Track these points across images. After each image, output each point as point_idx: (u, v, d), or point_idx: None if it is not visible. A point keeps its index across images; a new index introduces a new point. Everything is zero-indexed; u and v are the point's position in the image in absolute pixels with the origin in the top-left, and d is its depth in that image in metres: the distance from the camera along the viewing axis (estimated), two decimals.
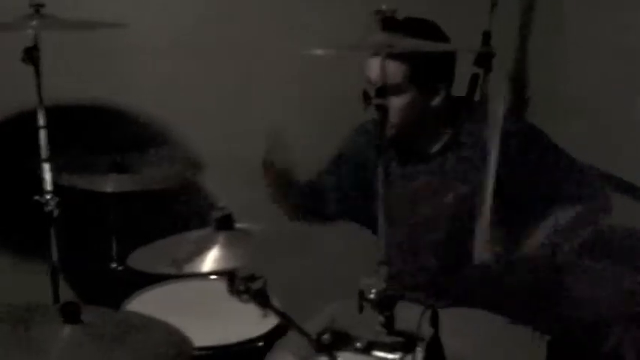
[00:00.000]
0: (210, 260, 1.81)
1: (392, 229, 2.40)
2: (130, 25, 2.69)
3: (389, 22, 1.64)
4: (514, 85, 3.38)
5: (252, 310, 2.57)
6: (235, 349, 2.53)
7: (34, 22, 2.53)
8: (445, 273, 2.48)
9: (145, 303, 2.72)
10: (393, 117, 2.33)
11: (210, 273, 1.83)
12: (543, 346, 1.92)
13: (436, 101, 2.44)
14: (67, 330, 1.94)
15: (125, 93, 3.21)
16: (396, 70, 2.32)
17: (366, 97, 1.72)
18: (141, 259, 1.94)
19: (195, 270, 1.78)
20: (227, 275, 1.74)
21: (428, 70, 2.37)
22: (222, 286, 2.80)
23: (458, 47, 2.31)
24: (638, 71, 2.82)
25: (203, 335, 2.37)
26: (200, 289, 2.83)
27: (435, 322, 1.73)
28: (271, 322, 2.54)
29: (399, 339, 1.65)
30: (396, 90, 2.33)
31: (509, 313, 2.30)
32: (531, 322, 2.23)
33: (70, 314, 1.95)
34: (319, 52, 1.69)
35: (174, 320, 2.19)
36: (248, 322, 2.50)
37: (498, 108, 2.30)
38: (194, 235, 1.97)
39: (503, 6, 3.11)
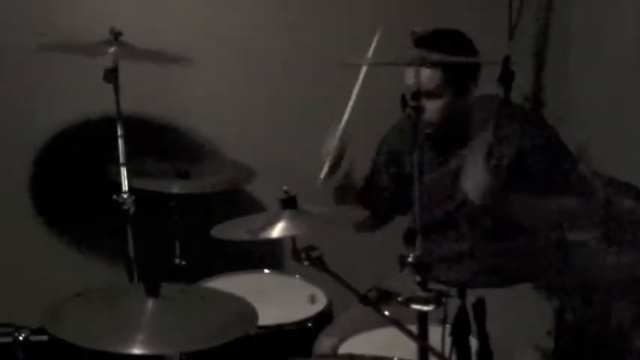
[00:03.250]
0: (278, 230, 2.12)
1: (433, 208, 2.69)
2: (194, 61, 3.04)
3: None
4: (532, 105, 3.65)
5: (301, 297, 2.93)
6: (288, 328, 2.79)
7: (112, 50, 2.87)
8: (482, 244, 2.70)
9: None
10: (431, 117, 2.60)
11: (278, 238, 2.11)
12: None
13: (468, 100, 2.70)
14: (149, 303, 2.23)
15: (188, 109, 3.55)
16: (432, 77, 2.58)
17: (403, 101, 1.99)
18: (222, 229, 2.27)
19: (266, 236, 2.09)
20: (292, 245, 2.03)
21: (460, 75, 2.64)
22: (271, 278, 3.15)
23: (481, 60, 2.57)
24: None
25: (259, 318, 2.56)
26: (252, 281, 3.12)
27: (462, 294, 2.06)
28: (318, 307, 2.90)
29: (432, 294, 1.97)
30: (433, 94, 2.60)
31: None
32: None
33: (153, 289, 2.25)
34: (367, 62, 2.01)
35: None
36: (298, 307, 2.88)
37: None
38: (264, 213, 2.31)
39: (520, 32, 3.44)
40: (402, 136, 2.84)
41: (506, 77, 3.30)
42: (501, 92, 3.25)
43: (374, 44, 2.45)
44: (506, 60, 3.31)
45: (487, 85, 2.92)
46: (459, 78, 2.65)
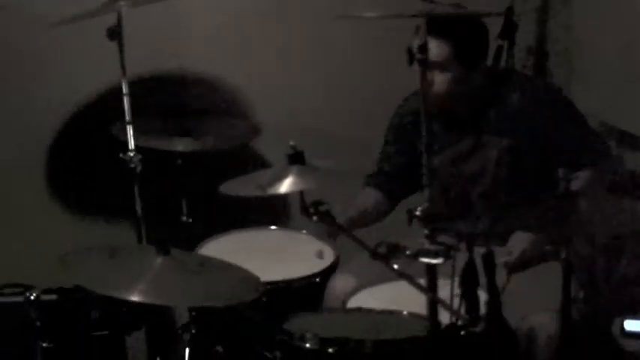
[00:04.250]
0: (286, 185, 2.14)
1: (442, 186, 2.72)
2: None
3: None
4: (535, 56, 3.65)
5: (308, 252, 2.94)
6: (296, 284, 2.77)
7: (119, 3, 2.86)
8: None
9: (213, 249, 2.95)
10: (439, 90, 2.65)
11: (286, 193, 2.13)
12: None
13: (476, 75, 2.73)
14: (159, 260, 2.26)
15: (192, 63, 3.52)
16: (440, 49, 2.60)
17: (410, 54, 1.99)
18: (231, 186, 2.28)
19: (276, 191, 2.10)
20: (300, 200, 2.05)
21: (469, 48, 2.67)
22: (278, 234, 3.18)
23: (486, 11, 2.59)
24: None
25: (267, 273, 2.61)
26: (260, 238, 3.10)
27: (471, 246, 2.08)
28: (325, 262, 2.87)
29: (441, 247, 1.99)
30: (441, 66, 2.63)
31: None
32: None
33: (163, 247, 2.28)
34: (370, 14, 2.00)
35: (241, 262, 2.47)
36: (306, 263, 2.85)
37: None
38: (272, 169, 2.32)
39: None
40: (411, 110, 2.86)
41: (509, 29, 3.34)
42: (505, 43, 3.32)
43: None
44: (509, 11, 3.36)
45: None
46: (467, 52, 2.67)
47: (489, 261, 1.99)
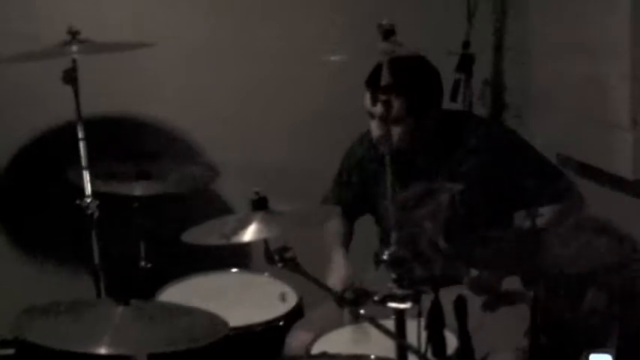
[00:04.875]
0: (250, 232, 2.09)
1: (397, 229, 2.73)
2: (156, 43, 2.99)
3: (388, 33, 1.95)
4: (492, 88, 3.69)
5: (270, 296, 2.91)
6: (258, 328, 2.76)
7: (74, 48, 2.84)
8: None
9: (174, 294, 2.95)
10: (395, 140, 2.63)
11: (250, 241, 2.09)
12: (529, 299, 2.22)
13: (428, 124, 2.74)
14: (119, 310, 2.21)
15: (148, 106, 3.50)
16: (395, 105, 2.58)
17: (374, 95, 1.99)
18: (194, 234, 2.24)
19: (240, 240, 2.07)
20: (264, 247, 2.02)
21: (421, 101, 2.68)
22: (240, 277, 3.14)
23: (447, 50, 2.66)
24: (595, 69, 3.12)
25: (228, 318, 2.48)
26: (221, 281, 3.09)
27: (435, 288, 2.06)
28: (289, 305, 2.87)
29: (408, 292, 1.95)
30: (396, 120, 2.63)
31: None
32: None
33: (122, 297, 2.23)
34: (335, 58, 2.00)
35: (202, 307, 2.40)
36: (268, 307, 2.85)
37: None
38: (235, 215, 2.29)
39: (479, 17, 3.47)
40: (366, 147, 2.89)
41: (467, 62, 3.38)
42: (462, 77, 3.34)
43: None
44: (466, 45, 3.40)
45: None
46: (420, 104, 2.69)
47: (461, 307, 1.97)
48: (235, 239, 2.04)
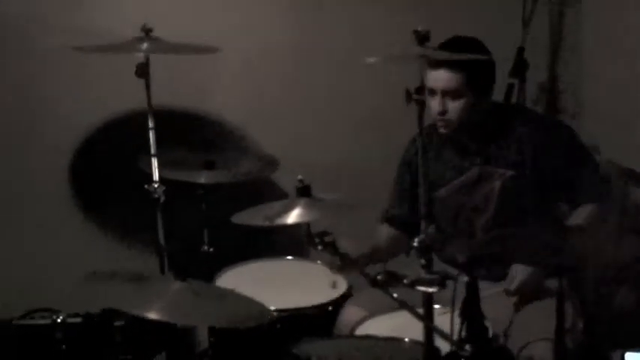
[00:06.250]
0: (293, 216, 2.25)
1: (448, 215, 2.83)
2: (220, 49, 3.16)
3: (423, 39, 2.08)
4: (547, 93, 3.76)
5: (322, 282, 3.05)
6: (309, 312, 2.89)
7: (145, 45, 3.01)
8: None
9: (231, 277, 3.09)
10: (452, 117, 2.79)
11: (294, 224, 2.23)
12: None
13: (487, 104, 2.87)
14: (176, 285, 2.33)
15: (215, 102, 3.69)
16: (454, 77, 2.75)
17: (408, 95, 2.06)
18: (242, 216, 2.41)
19: (282, 222, 2.22)
20: (306, 231, 2.16)
21: (479, 78, 2.80)
22: (294, 264, 3.28)
23: (486, 57, 2.71)
24: None
25: (282, 302, 2.79)
26: (276, 268, 3.23)
27: (471, 274, 2.18)
28: (338, 292, 2.99)
29: (436, 277, 2.08)
30: (456, 94, 2.77)
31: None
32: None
33: (181, 273, 2.36)
34: (372, 60, 2.14)
35: (258, 290, 2.56)
36: (319, 293, 2.97)
37: None
38: (281, 201, 2.45)
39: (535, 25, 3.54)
40: (416, 149, 2.90)
41: (521, 67, 3.47)
42: (516, 82, 3.43)
43: None
44: (521, 50, 3.48)
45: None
46: (479, 80, 2.80)
47: (473, 288, 2.09)
48: (278, 222, 2.19)
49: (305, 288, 3.07)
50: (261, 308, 2.39)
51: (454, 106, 2.78)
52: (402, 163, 3.07)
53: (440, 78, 2.76)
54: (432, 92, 2.78)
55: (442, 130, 2.85)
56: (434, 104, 2.80)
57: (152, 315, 2.17)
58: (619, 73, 3.36)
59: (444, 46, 2.67)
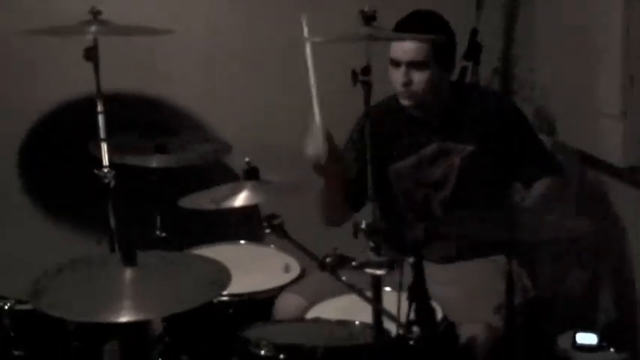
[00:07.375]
0: (240, 199, 2.24)
1: (406, 190, 2.82)
2: (173, 31, 3.11)
3: (370, 18, 2.08)
4: (500, 77, 3.76)
5: (275, 266, 3.04)
6: (261, 296, 2.90)
7: (93, 28, 2.96)
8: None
9: None
10: (417, 88, 2.80)
11: (240, 207, 2.21)
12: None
13: (447, 78, 2.88)
14: (127, 272, 2.30)
15: (166, 85, 3.66)
16: (420, 48, 2.75)
17: (354, 75, 2.04)
18: (189, 200, 2.40)
19: (229, 205, 2.20)
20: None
21: (444, 50, 2.81)
22: (247, 249, 3.27)
23: (436, 37, 2.68)
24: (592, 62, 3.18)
25: (235, 286, 2.58)
26: (228, 252, 3.13)
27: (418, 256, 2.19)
28: (291, 276, 2.99)
29: (385, 259, 2.09)
30: (422, 65, 2.78)
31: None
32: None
33: (129, 257, 2.33)
34: (319, 39, 2.12)
35: None
36: (271, 277, 2.98)
37: None
38: (229, 184, 2.43)
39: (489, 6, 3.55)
40: (383, 110, 2.96)
41: (474, 50, 3.46)
42: (470, 64, 3.43)
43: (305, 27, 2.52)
44: (474, 32, 3.48)
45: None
46: (443, 53, 2.81)
47: (418, 268, 2.09)
48: (225, 205, 2.17)
49: (258, 272, 3.06)
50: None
51: (419, 78, 2.78)
52: (348, 139, 3.04)
53: (407, 49, 2.75)
54: (396, 64, 2.78)
55: (405, 102, 2.85)
56: (398, 76, 2.80)
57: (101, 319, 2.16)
58: (573, 54, 3.37)
59: (405, 20, 2.72)
